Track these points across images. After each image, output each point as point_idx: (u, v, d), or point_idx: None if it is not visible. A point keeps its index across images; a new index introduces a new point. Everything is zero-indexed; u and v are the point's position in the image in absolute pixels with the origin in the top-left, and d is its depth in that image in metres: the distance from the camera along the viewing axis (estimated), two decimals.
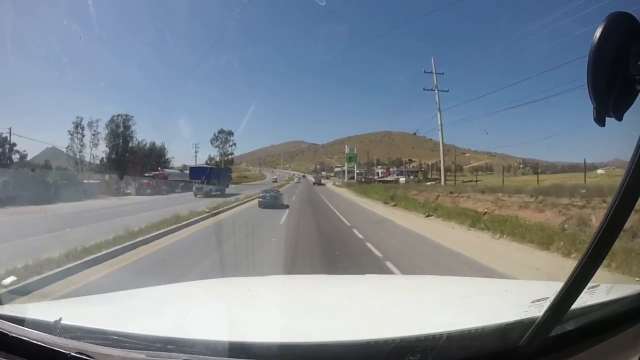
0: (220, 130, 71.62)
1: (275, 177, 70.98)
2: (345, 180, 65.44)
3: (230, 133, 71.78)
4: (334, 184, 61.90)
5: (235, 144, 70.69)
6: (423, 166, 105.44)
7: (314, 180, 69.50)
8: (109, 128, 40.98)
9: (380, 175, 76.47)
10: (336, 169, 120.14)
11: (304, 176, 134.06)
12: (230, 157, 72.77)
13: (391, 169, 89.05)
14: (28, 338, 0.90)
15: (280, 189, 25.41)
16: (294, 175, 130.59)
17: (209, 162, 70.72)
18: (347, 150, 71.39)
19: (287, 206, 17.73)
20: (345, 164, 71.20)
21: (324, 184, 62.53)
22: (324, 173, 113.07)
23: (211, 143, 71.98)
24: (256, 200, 18.34)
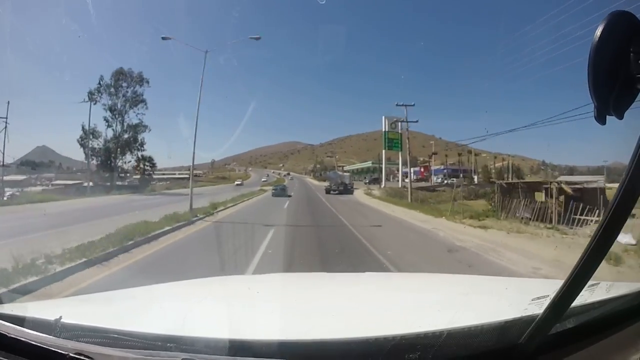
0: (117, 71, 35.11)
1: (238, 182, 55.37)
2: (382, 185, 35.91)
3: (142, 80, 34.80)
4: (378, 198, 26.41)
5: (145, 103, 34.96)
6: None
7: (329, 185, 34.22)
8: None
9: (417, 176, 45.31)
10: (345, 168, 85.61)
11: (288, 174, 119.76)
12: (135, 128, 34.83)
13: (432, 167, 58.86)
14: (26, 339, 0.90)
15: None
16: (282, 174, 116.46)
17: (84, 136, 33.61)
18: (384, 127, 35.05)
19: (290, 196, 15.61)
20: (382, 153, 39.85)
21: (351, 190, 32.34)
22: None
23: (89, 98, 33.39)
24: None
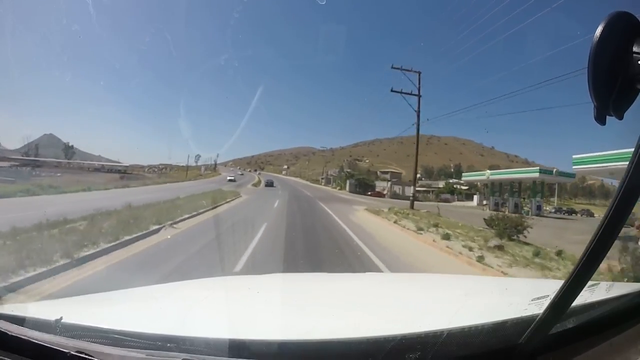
0: None
1: None
2: None
3: None
4: None
5: None
6: None
7: None
8: None
9: None
10: (469, 178, 46.66)
11: (255, 170, 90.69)
12: None
13: None
14: (27, 337, 0.90)
15: None
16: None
17: None
18: None
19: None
20: None
21: None
22: (383, 185, 45.45)
23: None
24: None
